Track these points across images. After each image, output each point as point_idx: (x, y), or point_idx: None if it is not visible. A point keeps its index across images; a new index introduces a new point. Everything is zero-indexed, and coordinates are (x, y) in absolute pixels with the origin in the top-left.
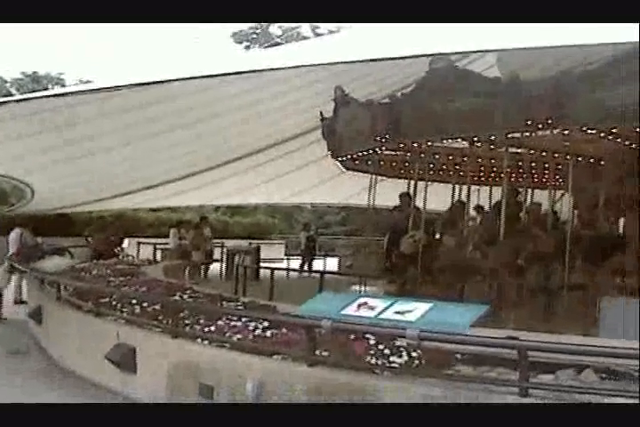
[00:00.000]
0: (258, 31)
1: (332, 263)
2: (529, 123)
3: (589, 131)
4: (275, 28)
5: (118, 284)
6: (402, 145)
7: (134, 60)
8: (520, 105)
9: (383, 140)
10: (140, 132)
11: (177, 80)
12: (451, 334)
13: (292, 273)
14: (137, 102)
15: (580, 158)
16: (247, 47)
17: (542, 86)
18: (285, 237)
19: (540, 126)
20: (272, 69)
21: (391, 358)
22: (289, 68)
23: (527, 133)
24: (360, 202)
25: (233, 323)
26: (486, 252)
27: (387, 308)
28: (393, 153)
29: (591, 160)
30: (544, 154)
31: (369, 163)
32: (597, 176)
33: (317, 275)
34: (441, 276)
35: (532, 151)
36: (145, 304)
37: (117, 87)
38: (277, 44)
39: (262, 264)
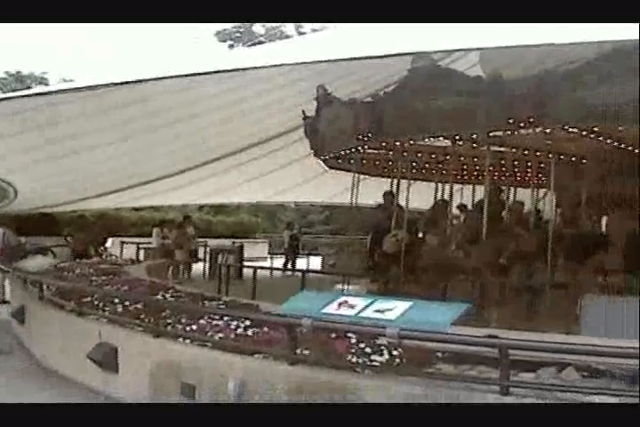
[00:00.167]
0: (241, 30)
1: (315, 262)
2: (511, 121)
3: (571, 129)
4: (258, 27)
5: (100, 283)
6: (384, 144)
7: (118, 60)
8: (502, 104)
9: (366, 138)
10: (123, 130)
11: (159, 79)
12: (431, 332)
13: (275, 272)
14: (119, 101)
15: (562, 157)
16: (231, 46)
17: (524, 85)
18: (269, 236)
19: (521, 125)
20: (256, 68)
21: (372, 357)
22: (273, 66)
23: (509, 132)
24: (344, 201)
25: (215, 322)
26: (469, 251)
27: (367, 306)
28: (375, 152)
29: (573, 159)
30: (526, 152)
31: (351, 162)
32: (579, 175)
33: (301, 274)
34: (424, 275)
35: (515, 150)
36: (127, 303)
37: (98, 86)
38: (261, 42)
39: (245, 263)
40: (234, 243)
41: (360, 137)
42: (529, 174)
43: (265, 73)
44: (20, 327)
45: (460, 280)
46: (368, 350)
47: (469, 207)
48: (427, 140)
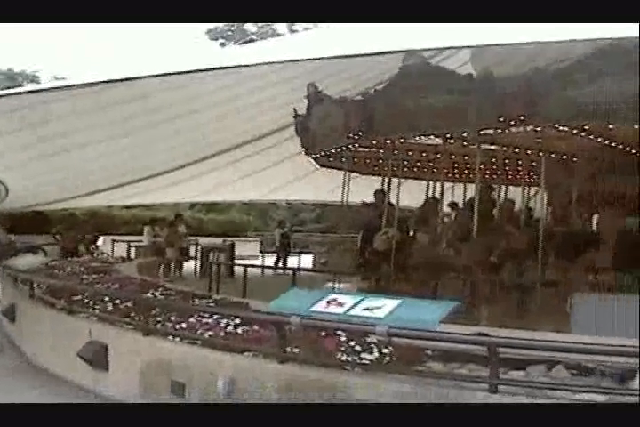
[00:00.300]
0: (233, 28)
1: (306, 260)
2: (501, 119)
3: (561, 128)
4: (250, 25)
5: (91, 281)
6: (375, 142)
7: (110, 58)
8: (493, 102)
9: (356, 136)
10: (112, 129)
11: (151, 77)
12: (420, 330)
13: (267, 270)
14: (113, 99)
15: (553, 155)
16: (222, 44)
17: (515, 83)
18: (260, 234)
19: (512, 123)
20: (247, 66)
21: (362, 355)
22: (265, 63)
23: (500, 130)
24: (335, 199)
25: (205, 320)
26: (459, 249)
27: (356, 304)
28: (366, 150)
29: (564, 157)
30: (517, 151)
31: (342, 160)
32: (570, 173)
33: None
34: (414, 273)
35: (506, 148)
36: (117, 302)
37: (92, 84)
38: (252, 40)
39: (237, 261)
40: (225, 241)
41: (351, 135)
42: (520, 173)
43: (257, 71)
44: (11, 326)
45: (451, 278)
46: (358, 348)
47: (461, 205)
48: (417, 138)
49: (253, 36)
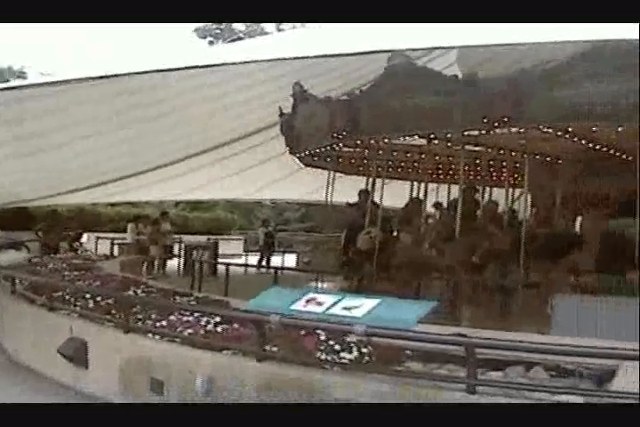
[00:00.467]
0: (221, 27)
1: (290, 260)
2: (486, 121)
3: (545, 129)
4: (238, 24)
5: (73, 278)
6: (360, 142)
7: (96, 55)
8: (478, 103)
9: (341, 136)
10: (102, 125)
11: (137, 73)
12: (398, 330)
13: (250, 269)
14: (98, 96)
15: (537, 157)
16: (211, 42)
17: (500, 85)
18: (244, 232)
19: (496, 124)
20: (235, 64)
21: (341, 354)
22: (253, 61)
23: (484, 131)
24: (319, 198)
25: (185, 318)
26: (442, 249)
27: (335, 303)
28: (351, 150)
29: (548, 159)
30: (501, 152)
31: (327, 159)
32: (554, 175)
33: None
34: (397, 273)
35: (490, 149)
36: (98, 299)
37: (77, 80)
38: (240, 39)
39: (221, 260)
40: (209, 239)
41: (336, 135)
42: (504, 174)
43: (245, 69)
44: None
45: (434, 278)
46: (337, 347)
47: (445, 206)
48: (402, 138)
49: (241, 35)
